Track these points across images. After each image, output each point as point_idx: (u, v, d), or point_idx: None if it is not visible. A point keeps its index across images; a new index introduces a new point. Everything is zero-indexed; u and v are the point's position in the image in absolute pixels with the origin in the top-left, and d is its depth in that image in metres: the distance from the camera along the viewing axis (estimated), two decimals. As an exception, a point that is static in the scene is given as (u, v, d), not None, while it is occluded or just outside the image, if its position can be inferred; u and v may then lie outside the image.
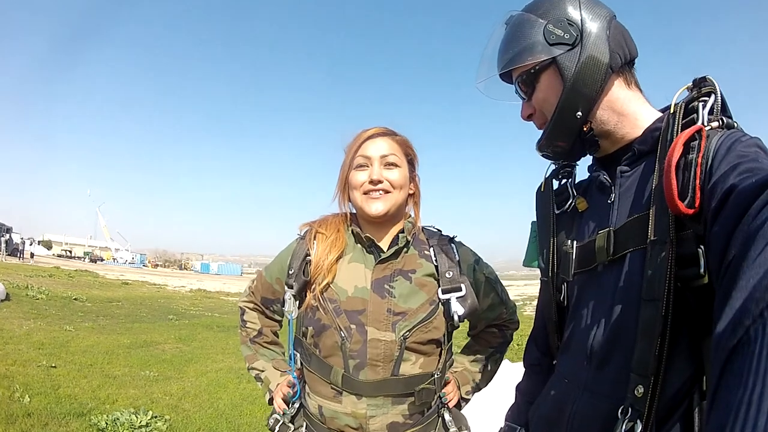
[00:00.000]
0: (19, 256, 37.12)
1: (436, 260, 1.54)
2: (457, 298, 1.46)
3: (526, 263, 1.39)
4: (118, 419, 4.61)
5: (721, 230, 0.68)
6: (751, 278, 0.51)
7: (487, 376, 1.72)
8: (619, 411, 0.91)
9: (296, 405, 1.60)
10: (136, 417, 4.71)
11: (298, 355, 1.57)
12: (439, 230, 1.68)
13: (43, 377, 5.87)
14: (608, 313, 1.01)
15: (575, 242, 1.15)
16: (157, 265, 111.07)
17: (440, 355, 1.52)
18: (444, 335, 1.50)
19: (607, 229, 1.04)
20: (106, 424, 4.49)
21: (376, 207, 1.49)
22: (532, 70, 1.08)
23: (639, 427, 0.87)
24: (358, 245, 1.58)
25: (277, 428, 1.58)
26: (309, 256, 1.55)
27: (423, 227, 1.66)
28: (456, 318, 1.45)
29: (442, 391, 1.53)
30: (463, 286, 1.48)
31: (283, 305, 1.59)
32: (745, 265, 0.54)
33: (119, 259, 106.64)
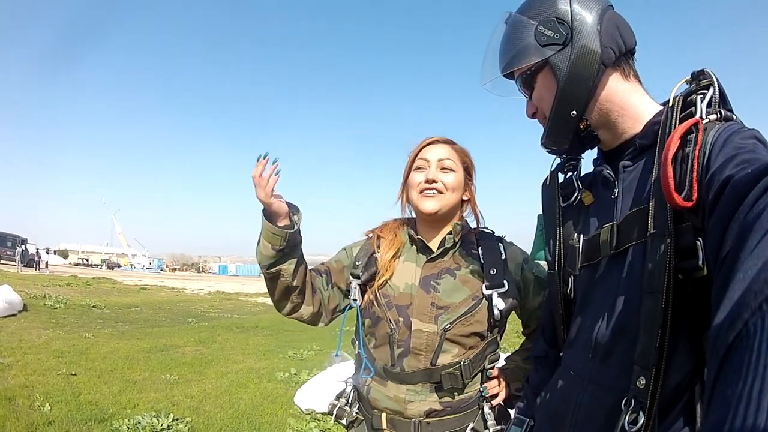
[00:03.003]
0: (36, 267, 37.56)
1: (482, 258, 1.64)
2: (499, 294, 1.55)
3: (533, 256, 1.43)
4: (139, 423, 4.59)
5: (718, 222, 0.69)
6: (748, 270, 0.51)
7: None
8: (623, 403, 0.92)
9: (348, 389, 1.74)
10: (158, 420, 4.69)
11: (357, 342, 1.74)
12: (492, 231, 1.77)
13: (64, 385, 5.86)
14: (612, 306, 1.02)
15: (582, 236, 1.16)
16: (174, 269, 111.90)
17: (483, 348, 1.62)
18: (488, 329, 1.60)
19: (611, 223, 1.06)
20: (128, 428, 4.48)
21: (429, 205, 1.63)
22: (529, 72, 1.11)
23: (642, 419, 0.88)
24: (413, 246, 1.73)
25: (335, 412, 1.71)
26: (375, 254, 1.72)
27: (478, 230, 1.78)
28: (496, 312, 1.54)
29: (484, 385, 1.62)
30: (506, 282, 1.57)
31: (347, 294, 1.74)
32: (742, 256, 0.54)
33: (136, 264, 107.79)
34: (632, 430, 0.88)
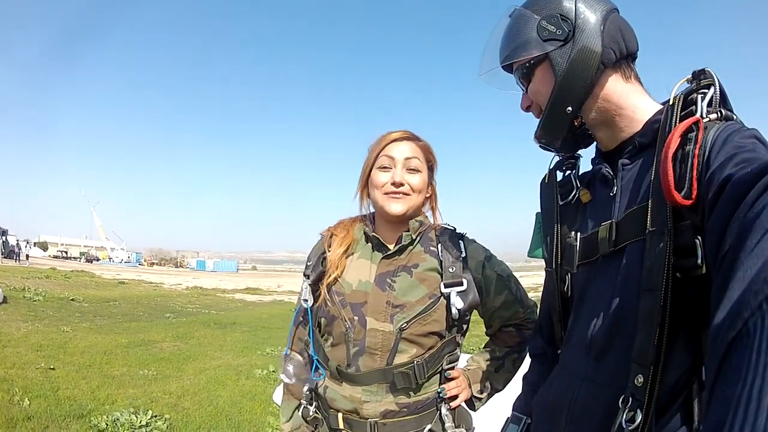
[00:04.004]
0: (15, 259, 37.06)
1: (441, 255, 1.60)
2: (457, 292, 1.51)
3: (530, 254, 1.41)
4: (118, 419, 4.63)
5: (718, 221, 0.68)
6: (749, 269, 0.50)
7: (504, 376, 1.72)
8: (620, 400, 0.92)
9: (305, 390, 1.69)
10: (136, 417, 4.73)
11: (311, 342, 1.68)
12: (453, 228, 1.72)
13: (42, 379, 5.88)
14: (609, 303, 1.01)
15: (579, 234, 1.15)
16: (153, 264, 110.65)
17: (440, 347, 1.56)
18: (446, 328, 1.55)
19: (610, 221, 1.05)
20: (107, 425, 4.51)
21: (396, 207, 1.58)
22: (528, 64, 1.10)
23: (639, 417, 0.87)
24: (369, 244, 1.67)
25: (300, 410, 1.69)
26: (325, 253, 1.66)
27: (440, 226, 1.72)
28: (454, 311, 1.49)
29: (442, 386, 1.57)
30: (464, 280, 1.54)
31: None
32: (742, 255, 0.54)
33: (115, 258, 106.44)
34: (629, 428, 0.88)
